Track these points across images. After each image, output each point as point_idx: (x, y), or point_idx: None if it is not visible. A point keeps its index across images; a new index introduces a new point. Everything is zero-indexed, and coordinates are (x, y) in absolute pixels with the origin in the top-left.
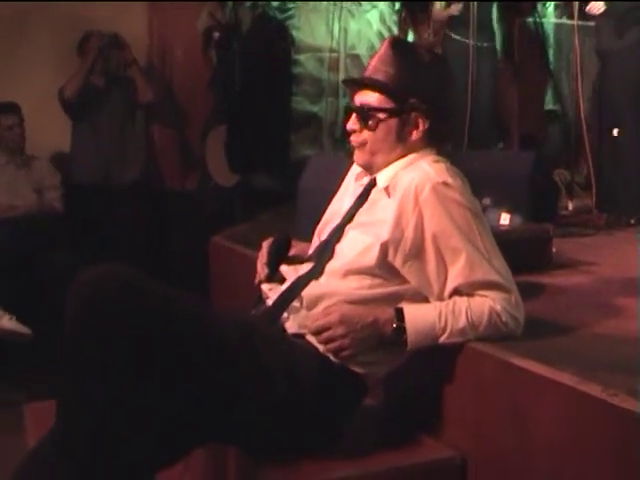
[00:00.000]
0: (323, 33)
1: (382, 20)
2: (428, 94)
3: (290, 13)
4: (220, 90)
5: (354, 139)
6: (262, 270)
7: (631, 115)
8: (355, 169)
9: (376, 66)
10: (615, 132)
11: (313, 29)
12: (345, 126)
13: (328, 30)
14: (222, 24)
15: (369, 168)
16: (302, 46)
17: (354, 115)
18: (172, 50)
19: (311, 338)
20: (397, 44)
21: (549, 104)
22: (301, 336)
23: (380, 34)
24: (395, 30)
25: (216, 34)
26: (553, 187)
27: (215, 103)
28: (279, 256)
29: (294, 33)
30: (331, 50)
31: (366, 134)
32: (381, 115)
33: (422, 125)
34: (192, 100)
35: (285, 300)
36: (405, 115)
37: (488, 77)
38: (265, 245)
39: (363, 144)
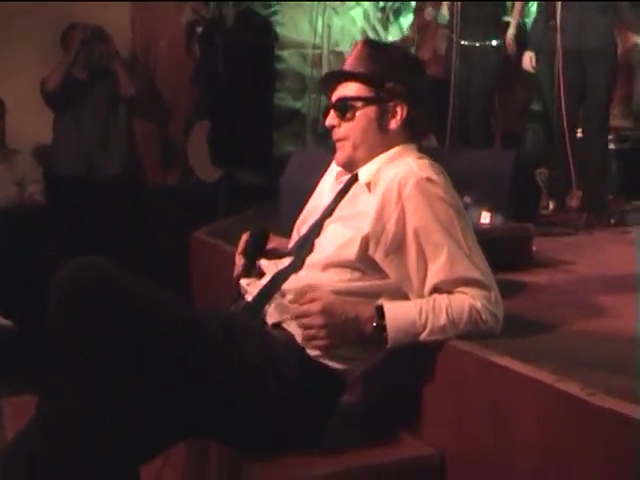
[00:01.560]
0: (307, 29)
1: (366, 17)
2: (404, 79)
3: (274, 9)
4: (203, 85)
5: (335, 135)
6: (239, 260)
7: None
8: (334, 167)
9: (352, 63)
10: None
11: (297, 25)
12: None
13: (312, 26)
14: (205, 19)
15: (351, 166)
16: (285, 42)
17: (332, 111)
18: (156, 44)
19: (289, 326)
20: (371, 43)
21: (531, 103)
22: (280, 326)
23: (364, 31)
24: (379, 27)
25: (199, 28)
26: (534, 186)
27: (198, 98)
28: (257, 248)
29: (278, 29)
30: (314, 46)
31: (346, 127)
32: (359, 104)
33: (401, 112)
34: (175, 94)
35: (265, 294)
36: (384, 103)
37: (487, 76)
38: (243, 237)
39: (345, 139)
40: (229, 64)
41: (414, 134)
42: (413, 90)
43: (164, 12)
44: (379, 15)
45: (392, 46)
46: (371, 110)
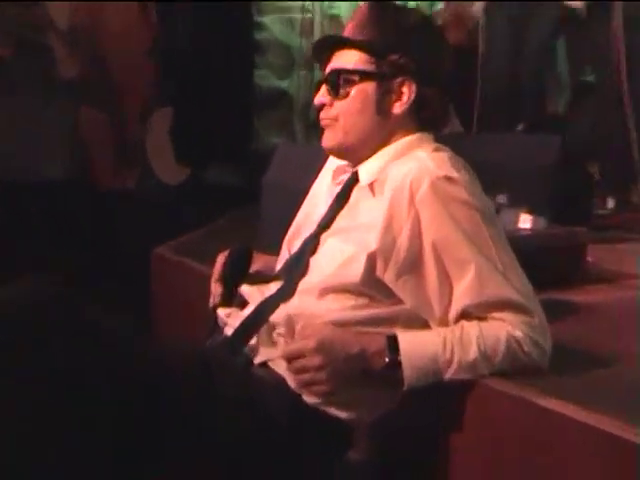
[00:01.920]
0: None
1: None
2: (415, 51)
3: None
4: (164, 62)
5: (324, 116)
6: (215, 289)
7: None
8: (332, 163)
9: (353, 28)
10: None
11: None
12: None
13: None
14: None
15: (341, 154)
16: (267, 5)
17: (324, 86)
18: (102, 10)
19: (279, 367)
20: (377, 5)
21: (583, 74)
22: (268, 366)
23: None
24: None
25: None
26: (586, 179)
27: (158, 78)
28: (237, 272)
29: None
30: (304, 10)
31: (338, 107)
32: (355, 78)
33: (408, 93)
34: (128, 74)
35: (248, 328)
36: (386, 81)
37: (540, 42)
38: (220, 259)
39: (334, 120)
40: (196, 35)
41: (427, 121)
42: (424, 65)
43: None
44: None
45: (405, 10)
46: (369, 87)
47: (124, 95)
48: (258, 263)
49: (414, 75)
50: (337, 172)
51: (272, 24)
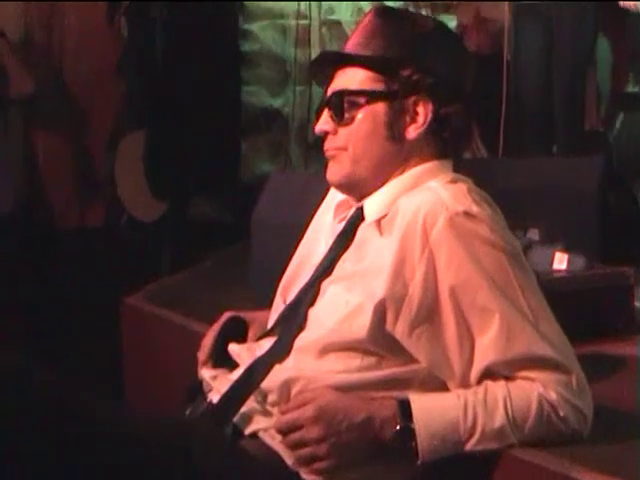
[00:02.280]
0: None
1: None
2: (429, 65)
3: None
4: (134, 78)
5: (328, 146)
6: (204, 369)
7: None
8: (334, 196)
9: (358, 41)
10: None
11: None
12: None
13: None
14: None
15: (350, 188)
16: (255, 10)
17: (326, 111)
18: (62, 19)
19: (274, 439)
20: (386, 12)
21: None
22: (260, 438)
23: None
24: None
25: None
26: (635, 208)
27: (128, 97)
28: (229, 355)
29: None
30: (299, 16)
31: (344, 134)
32: (361, 100)
33: (424, 115)
34: (94, 93)
35: (237, 394)
36: (398, 100)
37: (578, 47)
38: (208, 339)
39: (341, 150)
40: (172, 46)
41: (445, 146)
42: (442, 80)
43: None
44: None
45: (416, 16)
46: (379, 109)
47: (87, 117)
48: (254, 330)
49: (430, 92)
50: (340, 207)
51: (263, 32)
